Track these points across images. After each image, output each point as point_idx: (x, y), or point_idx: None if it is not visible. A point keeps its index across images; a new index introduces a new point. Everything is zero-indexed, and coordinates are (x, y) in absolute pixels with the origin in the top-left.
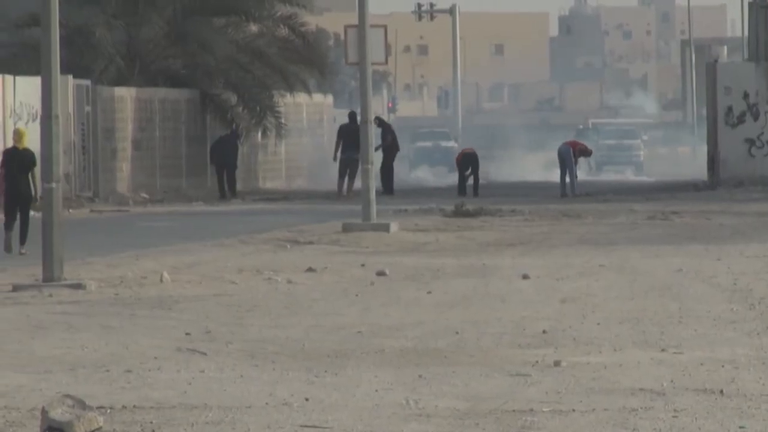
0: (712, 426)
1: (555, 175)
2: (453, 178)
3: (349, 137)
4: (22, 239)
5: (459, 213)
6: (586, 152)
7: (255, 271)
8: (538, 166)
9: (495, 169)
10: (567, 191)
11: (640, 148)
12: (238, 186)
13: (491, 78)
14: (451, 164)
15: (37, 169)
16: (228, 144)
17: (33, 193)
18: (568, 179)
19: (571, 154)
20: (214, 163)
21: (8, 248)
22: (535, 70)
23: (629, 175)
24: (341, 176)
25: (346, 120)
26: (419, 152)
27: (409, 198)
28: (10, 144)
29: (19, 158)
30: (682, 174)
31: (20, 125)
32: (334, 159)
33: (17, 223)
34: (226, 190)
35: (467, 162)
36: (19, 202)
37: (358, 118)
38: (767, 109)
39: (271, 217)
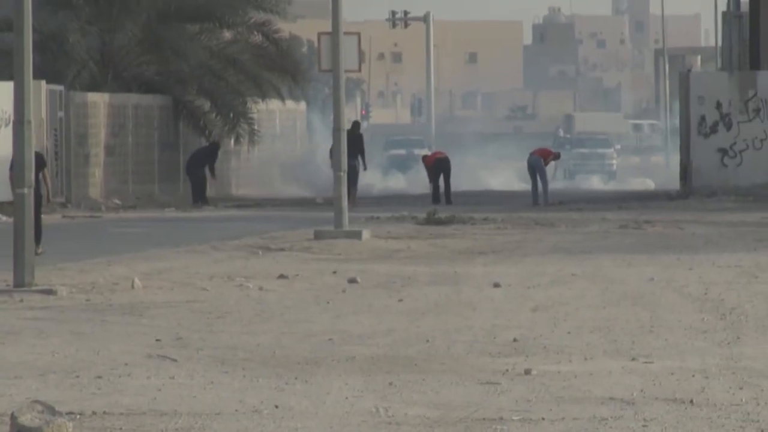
0: None
1: (528, 184)
2: (425, 186)
3: (350, 145)
4: (37, 239)
5: (431, 221)
6: (556, 157)
7: (226, 278)
8: (511, 175)
9: (467, 177)
10: (539, 200)
11: (614, 157)
12: (212, 192)
13: (465, 86)
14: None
15: (47, 170)
16: (204, 155)
17: (45, 193)
18: (540, 188)
19: (542, 164)
20: (189, 173)
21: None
22: (509, 78)
23: (602, 184)
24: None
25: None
26: (393, 160)
27: (382, 205)
28: None
29: None
30: (654, 183)
31: None
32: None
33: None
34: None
35: (440, 167)
36: None
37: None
38: (740, 119)
39: (244, 224)
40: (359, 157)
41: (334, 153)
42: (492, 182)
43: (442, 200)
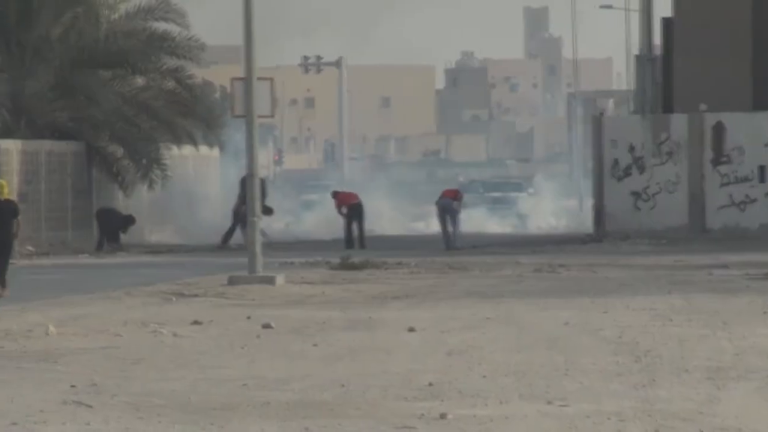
0: None
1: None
2: (339, 231)
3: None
4: (2, 283)
5: (345, 266)
6: (461, 197)
7: (141, 324)
8: (424, 219)
9: (381, 222)
10: (450, 244)
11: (526, 201)
12: (125, 238)
13: (378, 130)
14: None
15: (19, 220)
16: (119, 220)
17: (14, 239)
18: (451, 231)
19: (453, 206)
20: (99, 222)
21: None
22: (422, 122)
23: (515, 228)
24: (244, 227)
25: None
26: (306, 205)
27: (295, 250)
28: None
29: (1, 208)
30: (568, 227)
31: None
32: (235, 209)
33: None
34: (105, 242)
35: (353, 213)
36: (2, 249)
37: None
38: (653, 163)
39: (157, 270)
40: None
41: (247, 198)
42: (405, 226)
43: (355, 245)
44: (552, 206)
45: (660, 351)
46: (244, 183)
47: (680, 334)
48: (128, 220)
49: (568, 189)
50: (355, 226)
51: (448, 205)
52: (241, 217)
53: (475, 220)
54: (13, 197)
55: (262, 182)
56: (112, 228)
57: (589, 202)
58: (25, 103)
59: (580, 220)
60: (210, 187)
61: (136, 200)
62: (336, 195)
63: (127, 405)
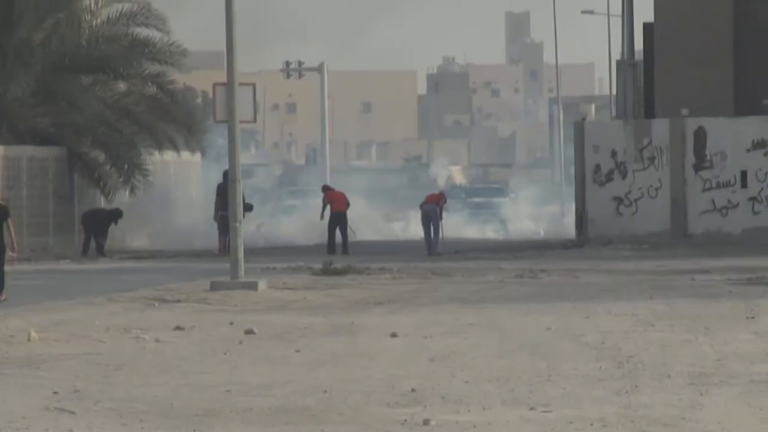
0: None
1: (419, 233)
2: (321, 237)
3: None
4: (0, 287)
5: (327, 271)
6: (444, 201)
7: (123, 330)
8: (406, 224)
9: (363, 227)
10: (432, 250)
11: (508, 207)
12: (107, 244)
13: (359, 136)
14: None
15: (11, 221)
16: (105, 217)
17: (9, 242)
18: (432, 236)
19: (437, 213)
20: (86, 229)
21: None
22: (403, 127)
23: (497, 233)
24: (222, 234)
25: (218, 179)
26: (287, 210)
27: (278, 256)
28: None
29: None
30: (549, 232)
31: None
32: (214, 218)
33: None
34: (94, 250)
35: (336, 220)
36: None
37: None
38: (635, 168)
39: (139, 276)
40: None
41: (230, 203)
42: (387, 232)
43: (337, 251)
44: (534, 211)
45: (642, 356)
46: (220, 189)
47: (662, 339)
48: (116, 214)
49: (549, 194)
50: (338, 232)
51: (432, 211)
52: (222, 223)
53: (457, 225)
54: None
55: (116, 212)
56: (101, 225)
57: (571, 207)
58: (7, 109)
59: (562, 225)
60: (192, 192)
61: (118, 205)
62: (326, 190)
63: (110, 411)
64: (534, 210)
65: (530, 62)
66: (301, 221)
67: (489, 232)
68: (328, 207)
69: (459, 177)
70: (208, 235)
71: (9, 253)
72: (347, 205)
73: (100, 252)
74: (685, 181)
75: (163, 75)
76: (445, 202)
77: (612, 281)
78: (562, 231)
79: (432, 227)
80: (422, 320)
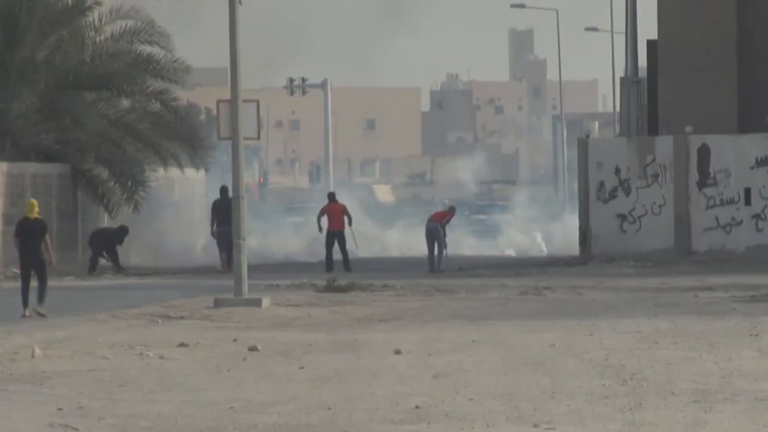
0: None
1: (423, 250)
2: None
3: (223, 212)
4: (41, 299)
5: (331, 288)
6: (452, 214)
7: (127, 347)
8: (409, 241)
9: (365, 244)
10: (434, 267)
11: (512, 224)
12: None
13: (363, 152)
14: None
15: (48, 236)
16: (111, 235)
17: (48, 257)
18: (436, 254)
19: (440, 230)
20: (93, 248)
21: (24, 315)
22: (407, 144)
23: (501, 251)
24: (221, 250)
25: (218, 195)
26: (292, 227)
27: (281, 273)
28: None
29: (30, 227)
30: (553, 249)
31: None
32: (212, 234)
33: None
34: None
35: (333, 238)
36: (33, 266)
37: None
38: (639, 185)
39: (143, 292)
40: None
41: (233, 220)
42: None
43: (335, 268)
44: (537, 229)
45: (646, 374)
46: (216, 206)
47: (666, 356)
48: (122, 232)
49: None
50: (337, 248)
51: (435, 229)
52: (220, 239)
53: (460, 242)
54: None
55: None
56: (108, 245)
57: (574, 224)
58: (10, 125)
59: (566, 242)
60: (196, 209)
61: (122, 222)
62: (331, 199)
63: (114, 427)
64: (537, 227)
65: (534, 79)
66: (303, 238)
67: (492, 249)
68: (326, 223)
69: (386, 196)
70: (211, 251)
71: (53, 264)
72: (346, 221)
73: (117, 269)
74: (689, 198)
75: (167, 92)
76: (452, 217)
77: (616, 298)
78: (566, 248)
79: (436, 244)
80: (426, 337)
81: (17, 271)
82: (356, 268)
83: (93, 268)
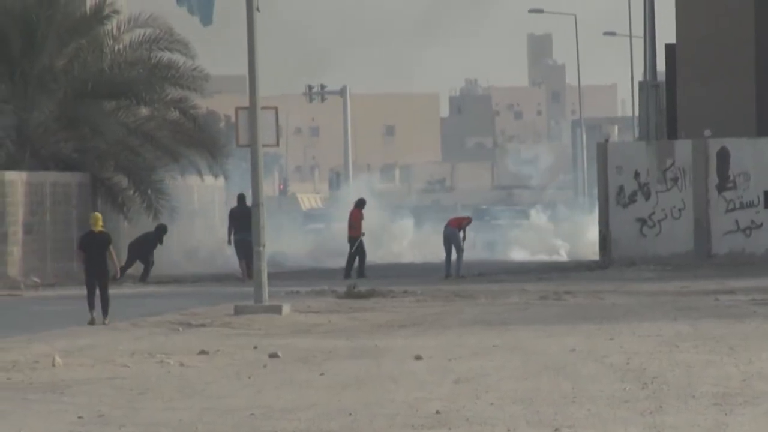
0: None
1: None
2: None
3: (241, 219)
4: (105, 311)
5: (351, 294)
6: (468, 222)
7: (147, 354)
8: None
9: (384, 250)
10: (452, 272)
11: (531, 228)
12: (131, 269)
13: (382, 159)
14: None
15: (112, 248)
16: (154, 238)
17: (112, 268)
18: (454, 259)
19: (458, 235)
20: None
21: (92, 322)
22: (427, 150)
23: (520, 255)
24: (240, 258)
25: (236, 202)
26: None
27: (302, 280)
28: None
29: (94, 240)
30: (573, 254)
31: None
32: (229, 242)
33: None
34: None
35: (352, 244)
36: (97, 279)
37: (248, 200)
38: (658, 189)
39: (163, 300)
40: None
41: (253, 227)
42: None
43: (353, 274)
44: (557, 233)
45: (667, 377)
46: (234, 214)
47: (687, 360)
48: (161, 230)
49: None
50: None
51: (452, 234)
52: (238, 247)
53: (480, 247)
54: (19, 228)
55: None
56: (150, 247)
57: (594, 229)
58: (30, 135)
59: (586, 247)
60: (215, 216)
61: (142, 230)
62: (359, 206)
63: None
64: (557, 232)
65: (552, 84)
66: (323, 245)
67: (512, 254)
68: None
69: (310, 203)
70: (231, 259)
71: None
72: (361, 227)
73: (145, 278)
74: (709, 201)
75: (186, 100)
76: (469, 223)
77: (636, 302)
78: (586, 253)
79: (454, 250)
80: (446, 342)
81: (37, 279)
82: (374, 274)
83: (122, 274)
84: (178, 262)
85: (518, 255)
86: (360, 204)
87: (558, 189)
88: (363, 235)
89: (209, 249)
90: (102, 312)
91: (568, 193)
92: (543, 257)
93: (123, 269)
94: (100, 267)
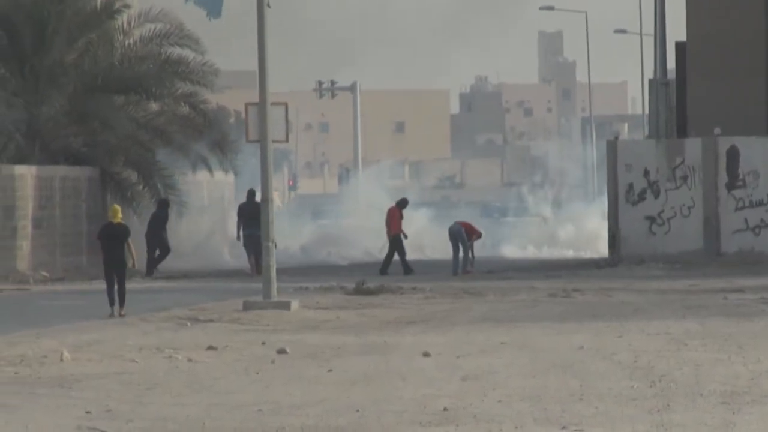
0: None
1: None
2: (354, 257)
3: (250, 215)
4: (121, 302)
5: (360, 291)
6: (478, 237)
7: (155, 350)
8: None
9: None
10: (457, 269)
11: (540, 226)
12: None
13: (392, 155)
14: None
15: (131, 240)
16: (164, 217)
17: (129, 260)
18: (461, 256)
19: (463, 233)
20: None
21: (112, 315)
22: (436, 147)
23: (530, 253)
24: (249, 254)
25: (245, 198)
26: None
27: (311, 276)
28: None
29: (113, 231)
30: (582, 251)
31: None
32: (238, 238)
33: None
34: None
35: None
36: (115, 269)
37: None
38: (668, 187)
39: (172, 296)
40: None
41: (262, 223)
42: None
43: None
44: (566, 231)
45: (675, 375)
46: (242, 209)
47: (695, 358)
48: (164, 204)
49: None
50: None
51: (457, 231)
52: (247, 243)
53: (489, 244)
54: (28, 222)
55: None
56: (161, 225)
57: (603, 227)
58: (40, 129)
59: (595, 244)
60: (225, 212)
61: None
62: (401, 205)
63: (142, 430)
64: (566, 229)
65: (563, 81)
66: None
67: (520, 251)
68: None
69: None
70: (240, 254)
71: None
72: (400, 225)
73: (154, 267)
74: (718, 200)
75: (196, 95)
76: (478, 237)
77: (645, 300)
78: (594, 250)
79: (462, 247)
80: (455, 340)
81: (46, 274)
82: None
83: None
84: (186, 257)
85: (526, 252)
86: (401, 204)
87: (568, 186)
88: (404, 235)
89: (218, 244)
90: (119, 303)
91: (577, 191)
92: (551, 254)
93: (150, 264)
94: (118, 259)
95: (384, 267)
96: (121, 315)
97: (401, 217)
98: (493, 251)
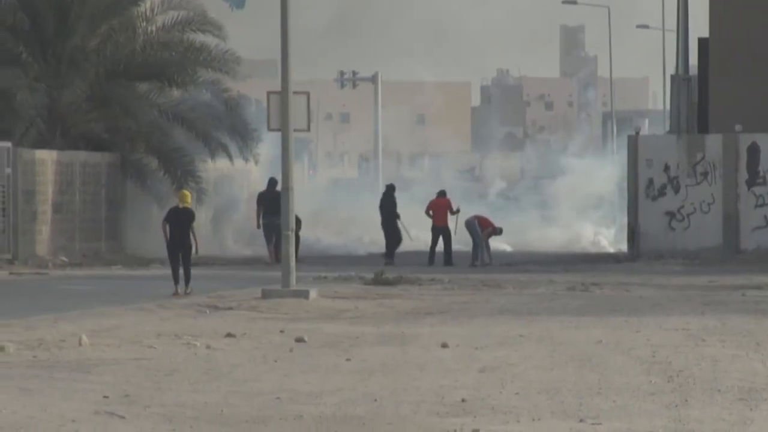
0: None
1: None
2: (373, 247)
3: (269, 203)
4: (187, 281)
5: (378, 281)
6: (496, 232)
7: (174, 336)
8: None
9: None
10: (474, 261)
11: (557, 219)
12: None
13: (412, 147)
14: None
15: (196, 224)
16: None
17: (193, 244)
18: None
19: (476, 226)
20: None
21: (176, 294)
22: (457, 139)
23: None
24: (269, 242)
25: (265, 186)
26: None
27: (329, 265)
28: None
29: (179, 215)
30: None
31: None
32: (258, 226)
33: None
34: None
35: (436, 232)
36: (181, 252)
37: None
38: (688, 183)
39: (191, 283)
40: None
41: (282, 212)
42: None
43: (435, 262)
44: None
45: (693, 371)
46: (262, 198)
47: (713, 354)
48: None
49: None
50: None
51: (471, 225)
52: (267, 231)
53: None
54: (48, 207)
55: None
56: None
57: (623, 221)
58: (61, 114)
59: (615, 239)
60: (245, 200)
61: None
62: (441, 195)
63: (160, 416)
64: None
65: (584, 75)
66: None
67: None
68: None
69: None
70: (260, 242)
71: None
72: (447, 216)
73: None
74: (738, 196)
75: (218, 82)
76: (495, 233)
77: (663, 296)
78: (614, 244)
79: (475, 240)
80: (473, 331)
81: (65, 259)
82: (400, 261)
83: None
84: (206, 244)
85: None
86: (443, 194)
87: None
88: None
89: (238, 232)
90: (184, 282)
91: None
92: (569, 248)
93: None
94: (183, 241)
95: (447, 258)
96: (186, 293)
97: (449, 206)
98: (511, 244)
